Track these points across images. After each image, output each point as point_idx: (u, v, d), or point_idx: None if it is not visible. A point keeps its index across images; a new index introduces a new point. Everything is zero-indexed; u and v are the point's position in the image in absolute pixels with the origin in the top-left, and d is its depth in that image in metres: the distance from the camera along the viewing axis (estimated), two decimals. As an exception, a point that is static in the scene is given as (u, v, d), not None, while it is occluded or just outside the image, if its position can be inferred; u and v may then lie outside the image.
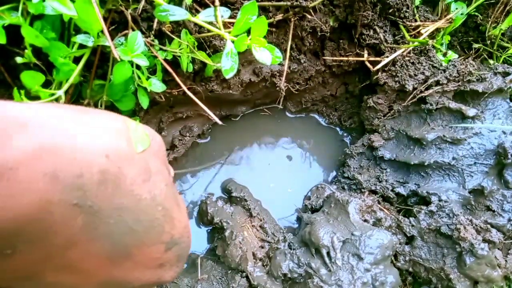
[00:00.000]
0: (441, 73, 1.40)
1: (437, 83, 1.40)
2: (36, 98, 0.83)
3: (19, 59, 0.81)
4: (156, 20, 1.08)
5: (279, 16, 1.31)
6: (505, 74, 1.41)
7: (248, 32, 0.92)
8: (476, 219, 1.26)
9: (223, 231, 1.38)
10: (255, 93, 1.57)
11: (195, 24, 1.13)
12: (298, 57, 1.49)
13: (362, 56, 1.50)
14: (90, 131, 0.42)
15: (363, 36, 1.45)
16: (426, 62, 1.44)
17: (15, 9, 0.77)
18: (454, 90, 1.41)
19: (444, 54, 1.49)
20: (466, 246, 1.19)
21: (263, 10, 1.31)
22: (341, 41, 1.52)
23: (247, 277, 1.28)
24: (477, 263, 1.18)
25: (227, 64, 0.91)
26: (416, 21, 1.46)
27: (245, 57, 1.38)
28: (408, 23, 1.44)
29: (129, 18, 1.00)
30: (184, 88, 1.06)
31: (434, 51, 1.47)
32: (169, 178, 0.56)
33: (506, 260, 1.24)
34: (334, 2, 1.38)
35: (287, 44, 1.38)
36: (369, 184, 1.51)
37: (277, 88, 1.48)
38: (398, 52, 1.43)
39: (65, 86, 0.88)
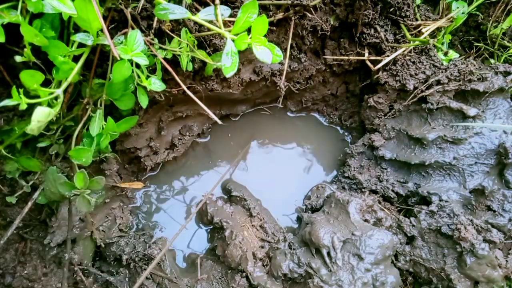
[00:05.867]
0: (442, 72, 1.40)
1: (438, 82, 1.40)
2: (35, 97, 0.82)
3: (18, 58, 0.80)
4: (155, 19, 1.07)
5: (280, 15, 1.31)
6: (506, 74, 1.41)
7: (249, 30, 0.91)
8: (477, 219, 1.26)
9: (223, 231, 1.38)
10: (255, 92, 1.56)
11: (195, 22, 1.12)
12: (298, 56, 1.49)
13: (363, 55, 1.50)
14: None
15: (364, 35, 1.45)
16: (427, 61, 1.43)
17: (14, 8, 0.77)
18: (455, 90, 1.41)
19: (445, 54, 1.49)
20: (466, 246, 1.18)
21: (264, 9, 1.30)
22: (341, 40, 1.51)
23: (247, 277, 1.28)
24: (478, 263, 1.18)
25: (228, 63, 0.90)
26: (417, 20, 1.45)
27: (245, 56, 1.38)
28: (409, 22, 1.43)
29: (129, 16, 0.99)
30: (184, 87, 1.05)
31: (435, 50, 1.47)
32: None
33: (506, 260, 1.23)
34: (334, 1, 1.38)
35: (287, 43, 1.38)
36: (369, 184, 1.50)
37: (277, 87, 1.48)
38: (399, 51, 1.43)
39: (64, 85, 0.87)
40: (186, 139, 1.56)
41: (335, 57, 1.52)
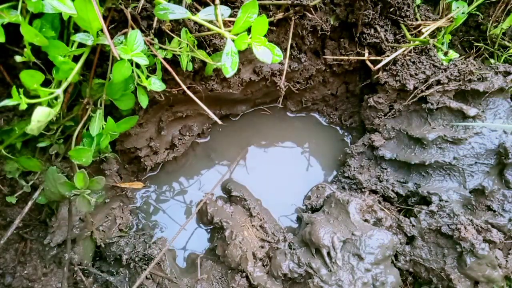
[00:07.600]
0: (442, 72, 1.40)
1: (438, 82, 1.40)
2: (35, 97, 0.82)
3: (18, 58, 0.80)
4: (155, 19, 1.07)
5: (280, 15, 1.31)
6: (506, 74, 1.41)
7: (249, 30, 0.91)
8: (477, 219, 1.26)
9: (223, 231, 1.38)
10: (255, 92, 1.56)
11: (195, 22, 1.12)
12: (298, 56, 1.49)
13: (363, 55, 1.50)
14: None
15: (364, 35, 1.45)
16: (427, 61, 1.43)
17: (14, 8, 0.77)
18: (455, 90, 1.41)
19: (445, 53, 1.49)
20: (466, 246, 1.18)
21: (264, 9, 1.30)
22: (341, 40, 1.51)
23: (247, 277, 1.28)
24: (478, 263, 1.18)
25: (228, 63, 0.90)
26: (417, 20, 1.45)
27: (245, 56, 1.38)
28: (409, 22, 1.43)
29: (129, 16, 0.99)
30: (184, 87, 1.05)
31: (435, 50, 1.47)
32: None
33: (506, 260, 1.23)
34: (334, 1, 1.38)
35: (287, 43, 1.38)
36: (369, 184, 1.50)
37: (278, 87, 1.48)
38: (399, 51, 1.42)
39: (64, 85, 0.87)
40: (186, 139, 1.56)
41: (335, 57, 1.52)
